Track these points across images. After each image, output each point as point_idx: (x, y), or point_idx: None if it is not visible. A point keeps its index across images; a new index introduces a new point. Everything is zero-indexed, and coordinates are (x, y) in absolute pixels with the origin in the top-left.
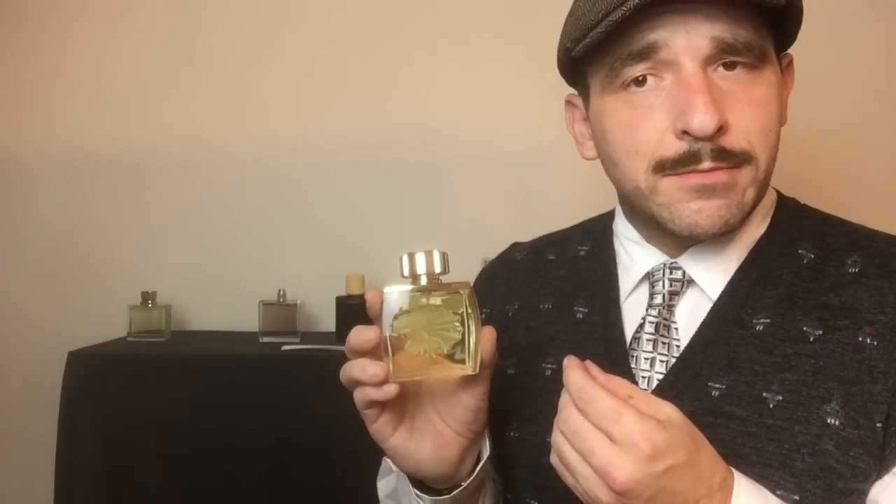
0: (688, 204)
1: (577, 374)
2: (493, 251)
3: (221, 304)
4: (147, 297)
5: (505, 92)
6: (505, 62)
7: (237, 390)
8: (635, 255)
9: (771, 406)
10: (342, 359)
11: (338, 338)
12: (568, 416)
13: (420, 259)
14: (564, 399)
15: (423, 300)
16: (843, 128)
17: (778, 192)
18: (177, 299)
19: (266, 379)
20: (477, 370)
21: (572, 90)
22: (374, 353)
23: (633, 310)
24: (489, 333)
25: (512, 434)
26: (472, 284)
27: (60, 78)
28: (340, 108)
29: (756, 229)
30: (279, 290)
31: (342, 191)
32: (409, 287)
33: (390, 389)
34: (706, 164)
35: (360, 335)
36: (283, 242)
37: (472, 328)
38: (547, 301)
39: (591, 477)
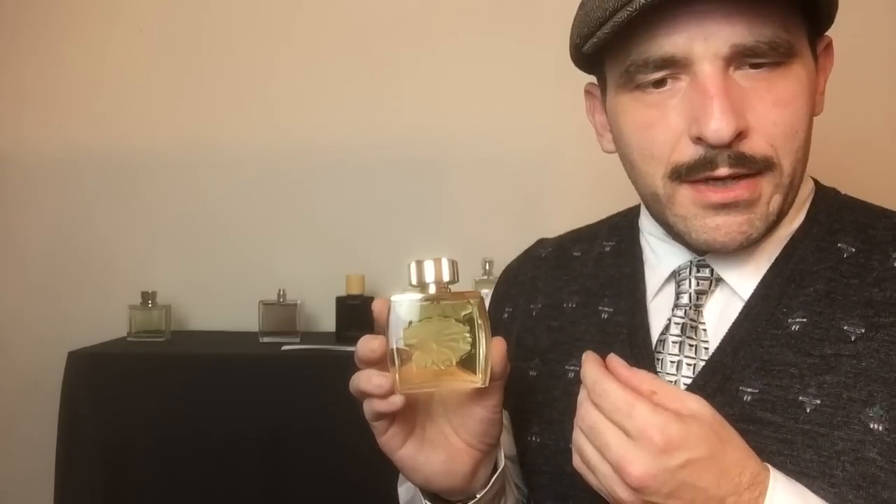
0: (704, 220)
1: (593, 368)
2: (494, 252)
3: (221, 304)
4: (147, 297)
5: (507, 92)
6: (507, 63)
7: (237, 390)
8: (661, 253)
9: (808, 411)
10: (342, 359)
11: (338, 338)
12: (585, 413)
13: (429, 267)
14: (582, 395)
15: (432, 310)
16: (843, 123)
17: (816, 182)
18: (177, 299)
19: (266, 379)
20: (487, 383)
21: (574, 84)
22: (382, 363)
23: (661, 310)
24: (499, 344)
25: (533, 439)
26: (482, 294)
27: (60, 78)
28: (341, 108)
29: (791, 223)
30: (279, 290)
31: (342, 191)
32: (418, 296)
33: (396, 401)
34: (723, 170)
35: (366, 345)
36: (283, 242)
37: (483, 339)
38: (571, 300)
39: (609, 474)
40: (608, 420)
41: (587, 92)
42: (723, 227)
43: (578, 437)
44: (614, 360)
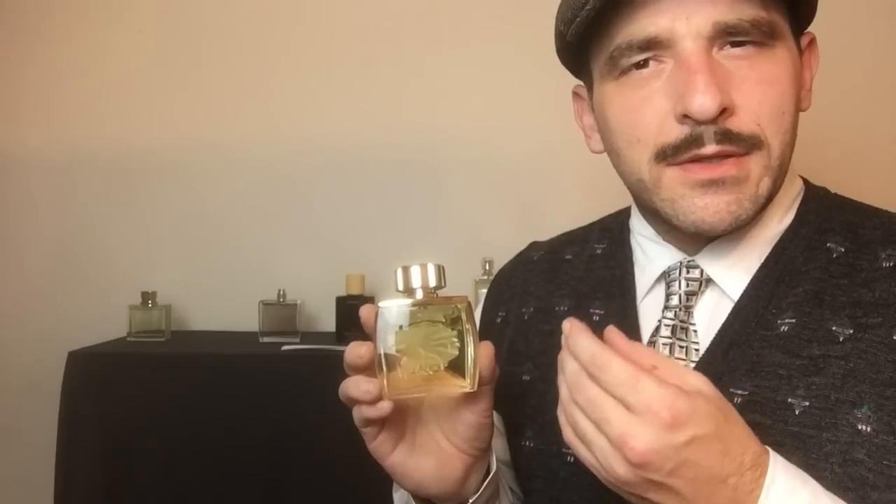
0: (693, 200)
1: (587, 340)
2: (494, 252)
3: (221, 304)
4: (147, 297)
5: (506, 94)
6: (506, 64)
7: (237, 390)
8: (651, 254)
9: (797, 412)
10: (342, 359)
11: (338, 338)
12: (581, 385)
13: (415, 272)
14: (573, 367)
15: (419, 315)
16: (842, 124)
17: (805, 182)
18: (177, 299)
19: (266, 379)
20: (475, 387)
21: (576, 83)
22: (370, 369)
23: (651, 311)
24: (487, 349)
25: (527, 444)
26: (469, 298)
27: (60, 78)
28: (340, 109)
29: (780, 222)
30: (279, 290)
31: (342, 191)
32: (405, 302)
33: (384, 407)
34: (710, 148)
35: (354, 351)
36: (283, 242)
37: (470, 343)
38: (563, 303)
39: (606, 448)
40: (608, 394)
41: (575, 94)
42: (711, 206)
43: (573, 411)
44: (613, 332)
